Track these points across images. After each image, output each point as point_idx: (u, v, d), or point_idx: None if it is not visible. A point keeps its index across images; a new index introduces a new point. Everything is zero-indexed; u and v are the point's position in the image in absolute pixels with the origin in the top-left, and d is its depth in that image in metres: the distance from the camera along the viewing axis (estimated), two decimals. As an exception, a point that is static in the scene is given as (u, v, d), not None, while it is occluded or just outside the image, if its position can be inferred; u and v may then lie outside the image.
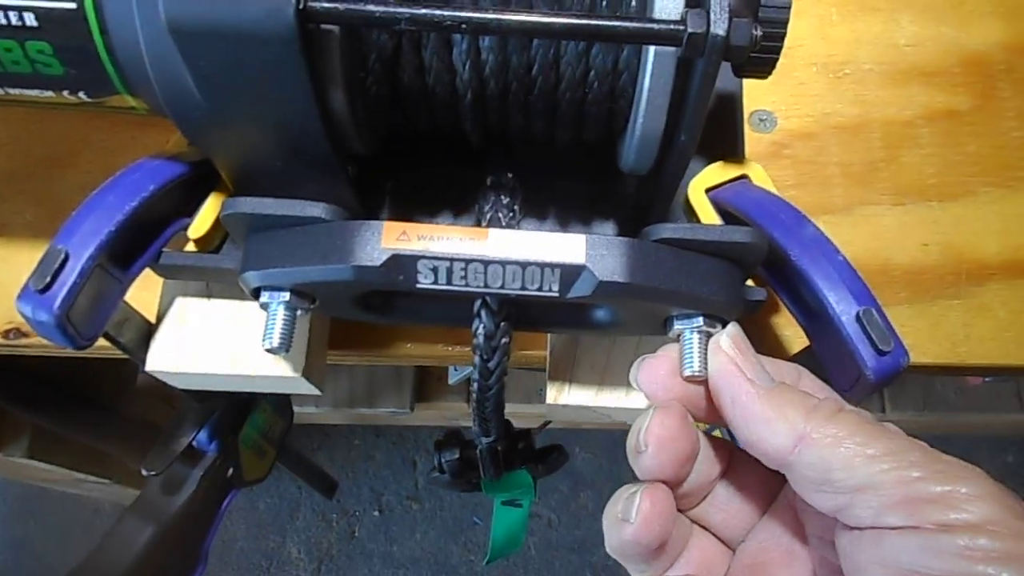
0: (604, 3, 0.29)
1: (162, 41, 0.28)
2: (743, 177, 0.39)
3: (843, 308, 0.33)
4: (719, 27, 0.26)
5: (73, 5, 0.29)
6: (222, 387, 0.40)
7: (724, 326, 0.33)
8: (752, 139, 0.47)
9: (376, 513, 1.46)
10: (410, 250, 0.30)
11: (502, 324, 0.33)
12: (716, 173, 0.39)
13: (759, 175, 0.40)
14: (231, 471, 0.49)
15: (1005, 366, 0.43)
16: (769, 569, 0.30)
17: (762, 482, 0.31)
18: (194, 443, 0.46)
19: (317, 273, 0.31)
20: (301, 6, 0.26)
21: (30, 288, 0.31)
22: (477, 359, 0.33)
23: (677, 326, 0.33)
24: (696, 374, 0.32)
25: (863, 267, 0.44)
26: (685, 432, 0.29)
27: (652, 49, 0.29)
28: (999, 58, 0.49)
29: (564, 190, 0.39)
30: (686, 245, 0.32)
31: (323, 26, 0.28)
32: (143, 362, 0.38)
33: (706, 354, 0.33)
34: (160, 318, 0.39)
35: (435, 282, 0.30)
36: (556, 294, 0.31)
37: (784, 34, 0.32)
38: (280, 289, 0.32)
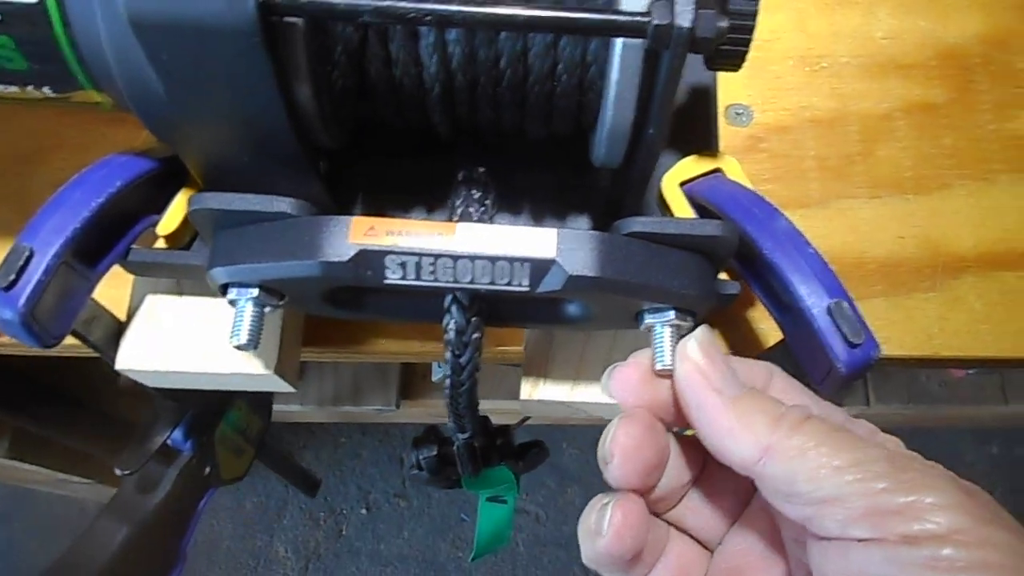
0: (571, -5, 0.29)
1: (124, 35, 0.28)
2: (717, 171, 0.39)
3: (814, 301, 0.33)
4: (684, 19, 0.26)
5: (34, -1, 0.29)
6: (194, 385, 0.39)
7: (696, 320, 0.33)
8: (728, 133, 0.47)
9: (363, 511, 1.45)
10: (378, 245, 0.30)
11: (473, 319, 0.32)
12: (690, 167, 0.39)
13: (733, 169, 0.39)
14: (208, 470, 0.48)
15: (980, 358, 0.43)
16: (747, 572, 0.30)
17: (737, 484, 0.31)
18: (169, 442, 0.45)
19: (284, 269, 0.30)
20: (262, -1, 0.26)
21: (-6, 287, 0.31)
22: (449, 355, 0.33)
23: (648, 319, 0.32)
24: (667, 368, 0.32)
25: (839, 260, 0.45)
26: (651, 440, 0.29)
27: (619, 42, 0.28)
28: (976, 51, 0.49)
29: (538, 184, 0.39)
30: (657, 239, 0.31)
31: (286, 19, 0.28)
32: (113, 360, 0.38)
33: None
34: (131, 315, 0.38)
35: (403, 277, 0.30)
36: (526, 289, 0.30)
37: (753, 26, 0.32)
38: (248, 285, 0.31)
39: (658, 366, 0.32)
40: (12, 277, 0.31)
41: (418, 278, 0.30)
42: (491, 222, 0.35)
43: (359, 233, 0.30)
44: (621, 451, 0.28)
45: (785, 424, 0.26)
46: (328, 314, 0.35)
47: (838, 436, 0.26)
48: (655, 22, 0.26)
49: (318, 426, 1.45)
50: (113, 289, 0.39)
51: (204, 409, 0.46)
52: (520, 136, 0.35)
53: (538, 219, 0.39)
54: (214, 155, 0.33)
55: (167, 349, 0.38)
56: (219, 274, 0.31)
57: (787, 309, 0.34)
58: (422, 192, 0.39)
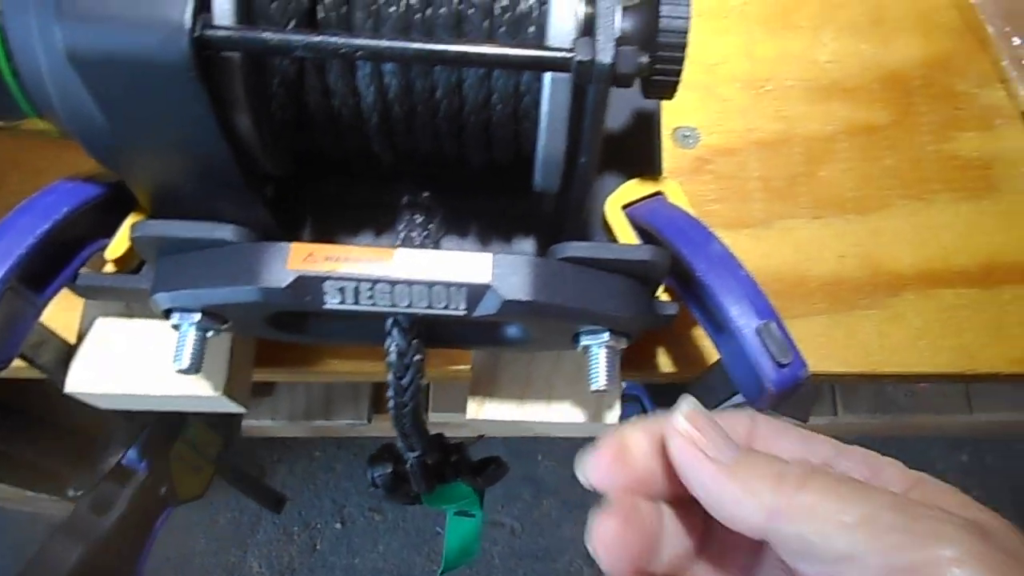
0: (503, 29, 0.30)
1: (64, 68, 0.28)
2: (659, 194, 0.40)
3: (745, 322, 0.34)
4: (605, 55, 0.27)
5: (-24, 32, 0.29)
6: (144, 407, 0.40)
7: (630, 340, 0.34)
8: (675, 155, 0.48)
9: (338, 525, 1.45)
10: (316, 271, 0.30)
11: (414, 342, 0.33)
12: (632, 190, 0.40)
13: (674, 192, 0.40)
14: (164, 489, 0.48)
15: (917, 374, 0.44)
16: None
17: (747, 540, 0.28)
18: (124, 462, 0.46)
19: (225, 295, 0.31)
20: (196, 34, 0.27)
21: (-62, 312, 0.32)
22: (391, 377, 0.34)
23: (584, 341, 0.33)
24: (602, 389, 0.33)
25: (782, 279, 0.46)
26: (635, 527, 0.28)
27: (548, 74, 0.29)
28: (917, 74, 0.51)
29: (485, 208, 0.40)
30: (590, 263, 0.32)
31: (222, 53, 0.28)
32: (63, 383, 0.38)
33: (613, 369, 0.33)
34: (80, 338, 0.39)
35: (342, 302, 0.31)
36: (463, 313, 0.31)
37: (681, 58, 0.33)
38: (190, 310, 0.32)
39: (593, 387, 0.33)
40: (-44, 304, 0.31)
41: (357, 303, 0.31)
42: (435, 246, 0.36)
43: (298, 260, 0.31)
44: (604, 548, 0.27)
45: (788, 484, 0.25)
46: (273, 337, 0.36)
47: (844, 489, 0.24)
48: (578, 58, 0.27)
49: (292, 440, 1.44)
50: (64, 311, 0.39)
51: (158, 428, 0.47)
52: (463, 163, 0.36)
53: (485, 242, 0.40)
54: (159, 182, 0.34)
55: (116, 372, 0.38)
56: (162, 299, 0.32)
57: (721, 329, 0.35)
58: (370, 217, 0.39)
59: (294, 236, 0.39)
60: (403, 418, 0.36)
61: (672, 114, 0.48)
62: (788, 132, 0.49)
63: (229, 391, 0.38)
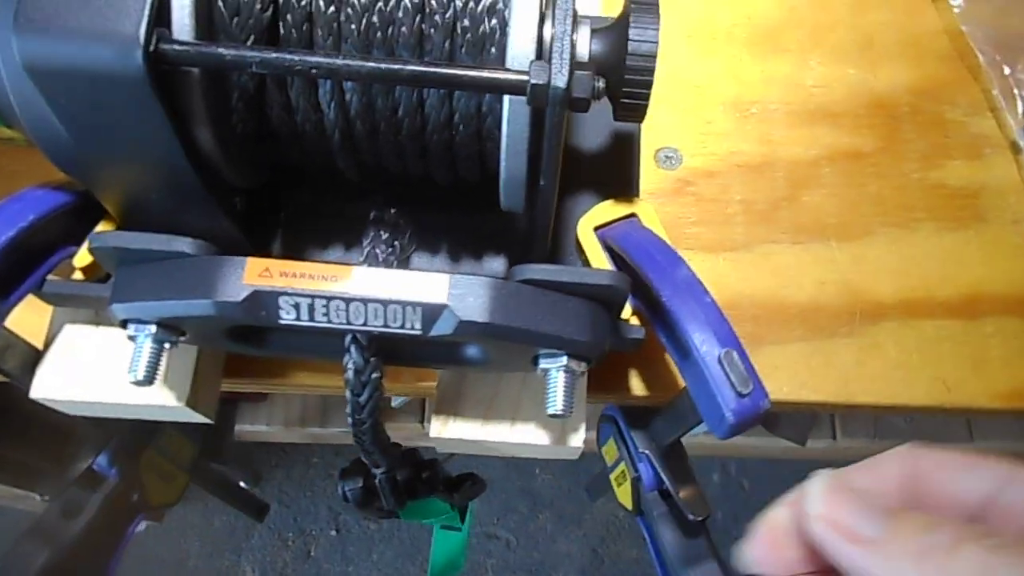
0: (464, 50, 0.30)
1: (23, 79, 0.28)
2: (632, 216, 0.40)
3: (707, 349, 0.33)
4: (559, 79, 0.27)
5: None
6: (110, 415, 0.40)
7: (589, 364, 0.34)
8: (657, 176, 0.48)
9: (333, 532, 1.45)
10: (271, 287, 0.30)
11: (372, 360, 0.33)
12: (605, 211, 0.40)
13: (648, 214, 0.40)
14: (136, 496, 0.48)
15: (892, 405, 0.44)
16: None
17: None
18: (94, 467, 0.46)
19: (180, 307, 0.31)
20: (151, 48, 0.27)
21: (-102, 317, 0.32)
22: (348, 394, 0.34)
23: (543, 364, 0.33)
24: (558, 413, 0.32)
25: (760, 304, 0.45)
26: None
27: (507, 97, 0.29)
28: (904, 101, 0.50)
29: (456, 226, 0.40)
30: (549, 286, 0.32)
31: (180, 67, 0.28)
32: (28, 388, 0.38)
33: (571, 392, 0.33)
34: (48, 344, 0.39)
35: (297, 318, 0.31)
36: (418, 332, 0.31)
37: (649, 82, 0.32)
38: (145, 322, 0.32)
39: (549, 410, 0.33)
40: (-85, 308, 0.31)
41: (312, 319, 0.31)
42: (401, 263, 0.36)
43: (254, 274, 0.31)
44: None
45: (933, 560, 0.23)
46: (234, 351, 0.35)
47: (994, 561, 0.22)
48: (532, 82, 0.27)
49: (291, 446, 1.45)
50: (33, 316, 0.39)
51: (129, 436, 0.47)
52: (430, 182, 0.36)
53: (455, 260, 0.40)
54: (124, 194, 0.34)
55: (82, 379, 0.38)
56: (118, 310, 0.32)
57: (685, 355, 0.35)
58: (342, 231, 0.39)
59: (264, 249, 0.39)
60: (362, 435, 0.36)
61: (655, 135, 0.48)
62: (772, 156, 0.49)
63: (193, 402, 0.38)
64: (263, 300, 0.30)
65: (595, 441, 0.51)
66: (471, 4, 0.29)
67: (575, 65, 0.27)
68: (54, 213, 0.36)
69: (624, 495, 0.51)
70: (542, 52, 0.29)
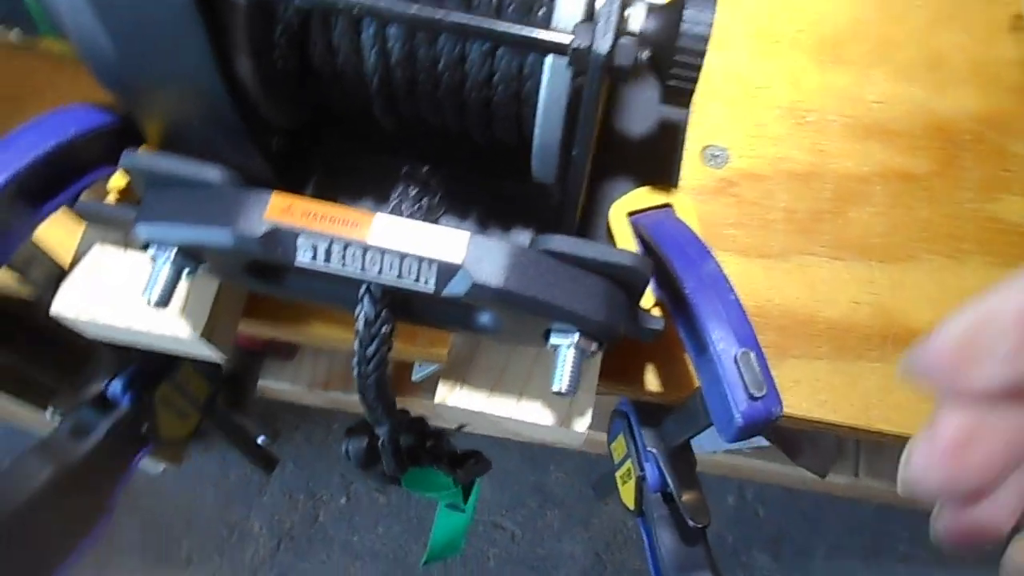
0: (511, 9, 0.29)
1: (76, -12, 0.29)
2: (667, 206, 0.39)
3: (724, 347, 0.32)
4: (602, 45, 0.26)
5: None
6: (127, 341, 0.40)
7: (602, 346, 0.33)
8: (701, 173, 0.47)
9: (343, 500, 1.46)
10: (291, 225, 0.30)
11: (383, 313, 0.33)
12: (641, 197, 0.39)
13: (684, 207, 0.39)
14: (145, 427, 0.49)
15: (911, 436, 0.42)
16: None
17: None
18: (107, 392, 0.46)
19: (200, 235, 0.31)
20: (200, -30, 0.27)
21: (-68, 211, 0.32)
22: (356, 345, 0.34)
23: (553, 339, 0.32)
24: (562, 391, 0.32)
25: (789, 315, 0.44)
26: None
27: (550, 58, 0.29)
28: (967, 127, 0.49)
29: (488, 193, 0.39)
30: (570, 260, 0.31)
31: (227, -6, 0.28)
32: (50, 305, 0.39)
33: (578, 372, 0.32)
34: (74, 263, 0.40)
35: (313, 259, 0.31)
36: (431, 290, 0.31)
37: (698, 66, 0.32)
38: (167, 246, 0.32)
39: (554, 387, 0.32)
40: (-52, 204, 0.32)
41: (328, 262, 0.31)
42: (426, 220, 0.36)
43: (276, 210, 0.31)
44: None
45: None
46: (251, 287, 0.36)
47: None
48: (575, 44, 0.26)
49: (315, 410, 1.46)
50: (63, 235, 0.40)
51: (147, 366, 0.47)
52: (467, 141, 0.36)
53: (483, 226, 0.39)
54: (164, 120, 0.34)
55: (103, 301, 0.39)
56: (141, 230, 0.32)
57: (702, 351, 0.34)
58: (375, 184, 0.39)
59: (295, 192, 0.39)
60: (366, 389, 0.35)
61: (704, 131, 0.47)
62: (822, 167, 0.47)
63: (208, 334, 0.39)
64: (281, 237, 0.30)
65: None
66: (525, -37, 0.29)
67: (620, 32, 0.27)
68: (96, 132, 0.36)
69: (627, 494, 0.50)
70: (591, 18, 0.28)
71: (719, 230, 0.46)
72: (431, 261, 0.30)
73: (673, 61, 0.32)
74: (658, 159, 0.41)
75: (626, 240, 0.39)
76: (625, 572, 1.39)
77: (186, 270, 0.33)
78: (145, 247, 0.33)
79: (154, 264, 0.33)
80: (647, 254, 0.38)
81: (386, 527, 1.45)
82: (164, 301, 0.32)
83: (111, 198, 0.38)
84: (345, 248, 0.30)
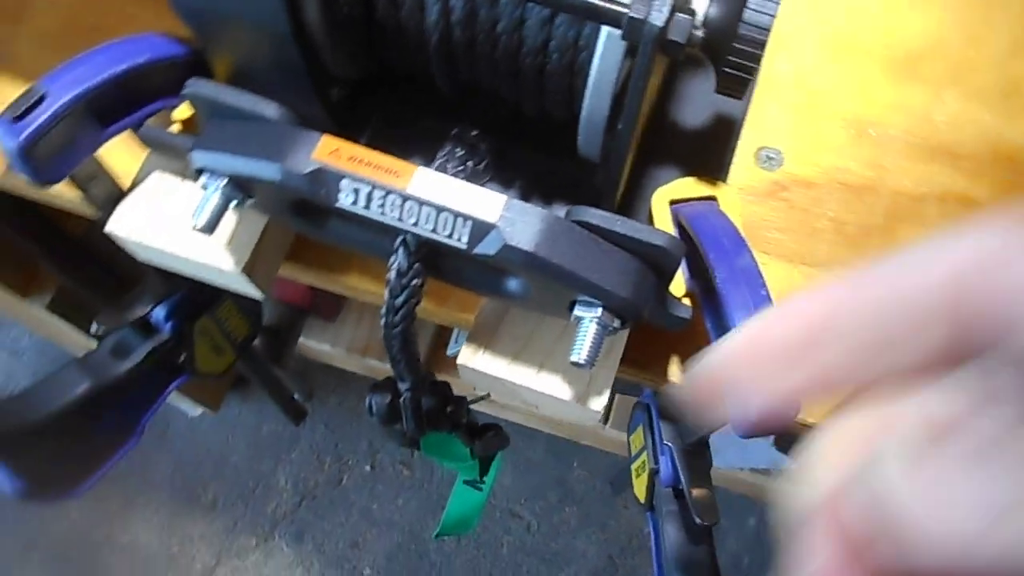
0: (576, -23, 0.29)
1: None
2: (711, 198, 0.39)
3: (747, 340, 0.32)
4: (657, 17, 0.26)
5: None
6: (173, 267, 0.42)
7: (624, 324, 0.33)
8: (753, 174, 0.46)
9: (368, 468, 1.48)
10: (336, 167, 0.31)
11: (416, 265, 0.33)
12: (686, 187, 0.39)
13: (729, 202, 0.39)
14: (183, 356, 0.51)
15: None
16: None
17: None
18: (150, 318, 0.48)
19: (250, 167, 0.32)
20: (278, -93, 0.28)
21: (6, 117, 0.34)
22: (387, 295, 0.34)
23: (578, 311, 0.33)
24: (580, 362, 0.32)
25: (824, 325, 0.43)
26: None
27: (605, 30, 0.29)
28: (1037, 159, 0.47)
29: (533, 167, 0.40)
30: (603, 234, 0.32)
31: (302, -66, 0.29)
32: (106, 222, 0.40)
33: (598, 346, 0.33)
34: (134, 186, 0.41)
35: (354, 203, 0.31)
36: (464, 246, 0.31)
37: (758, 55, 0.31)
38: (218, 174, 0.33)
39: (572, 357, 0.32)
40: (21, 112, 0.34)
41: (368, 208, 0.31)
42: (471, 183, 0.36)
43: (324, 151, 0.31)
44: None
45: None
46: (295, 227, 0.37)
47: None
48: (631, 14, 0.26)
49: (351, 375, 1.49)
50: (127, 158, 0.42)
51: (191, 296, 0.49)
52: (517, 115, 0.36)
53: (525, 197, 0.40)
54: (232, 57, 0.35)
55: (157, 224, 0.40)
56: (196, 157, 0.33)
57: (725, 343, 0.34)
58: (423, 143, 0.40)
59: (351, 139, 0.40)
60: (392, 339, 0.36)
61: (761, 132, 0.47)
62: (878, 182, 0.46)
63: (249, 270, 0.40)
64: (326, 178, 0.31)
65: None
66: (594, -65, 0.29)
67: (678, 8, 0.27)
68: (168, 61, 0.38)
69: (640, 486, 0.50)
70: (650, -8, 0.28)
71: (763, 232, 0.45)
72: (466, 218, 0.31)
73: (732, 47, 0.32)
74: (709, 152, 0.41)
75: (666, 228, 0.39)
76: (636, 577, 1.38)
77: (234, 201, 0.34)
78: (198, 175, 0.34)
79: (205, 191, 0.34)
80: (683, 241, 0.38)
81: (406, 500, 1.46)
82: (210, 228, 0.33)
83: (174, 127, 0.40)
84: (385, 196, 0.31)
